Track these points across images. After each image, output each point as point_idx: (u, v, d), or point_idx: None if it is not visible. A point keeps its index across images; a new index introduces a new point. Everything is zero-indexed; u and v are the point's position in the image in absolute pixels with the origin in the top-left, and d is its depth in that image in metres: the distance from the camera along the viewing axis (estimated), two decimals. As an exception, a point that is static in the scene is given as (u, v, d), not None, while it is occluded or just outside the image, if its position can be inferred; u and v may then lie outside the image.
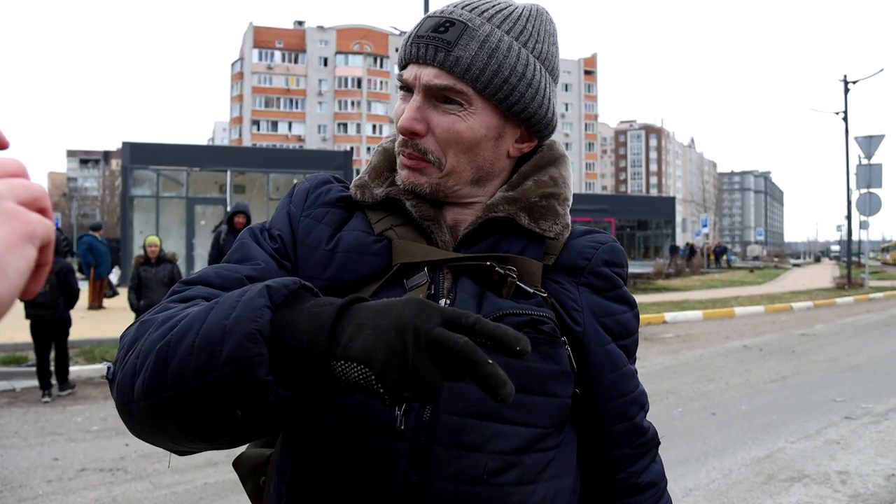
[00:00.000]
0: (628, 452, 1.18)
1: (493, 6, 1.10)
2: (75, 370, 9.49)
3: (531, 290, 1.09)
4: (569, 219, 1.19)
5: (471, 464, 1.00)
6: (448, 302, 1.06)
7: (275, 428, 0.81)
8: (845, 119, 29.48)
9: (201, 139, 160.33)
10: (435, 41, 1.06)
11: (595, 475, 1.20)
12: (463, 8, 1.09)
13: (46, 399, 8.15)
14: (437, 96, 1.08)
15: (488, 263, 1.08)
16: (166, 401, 0.80)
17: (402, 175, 1.14)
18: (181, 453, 0.92)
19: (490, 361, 0.70)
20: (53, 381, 8.41)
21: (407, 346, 0.70)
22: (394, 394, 0.71)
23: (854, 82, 29.43)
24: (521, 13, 1.11)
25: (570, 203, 1.21)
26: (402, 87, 1.13)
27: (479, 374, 0.70)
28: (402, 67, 1.12)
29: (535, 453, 1.06)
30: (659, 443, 1.25)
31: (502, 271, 1.08)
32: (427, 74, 1.07)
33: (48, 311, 8.14)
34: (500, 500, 1.02)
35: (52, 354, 8.42)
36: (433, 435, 1.00)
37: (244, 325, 0.76)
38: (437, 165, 1.10)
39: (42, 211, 0.57)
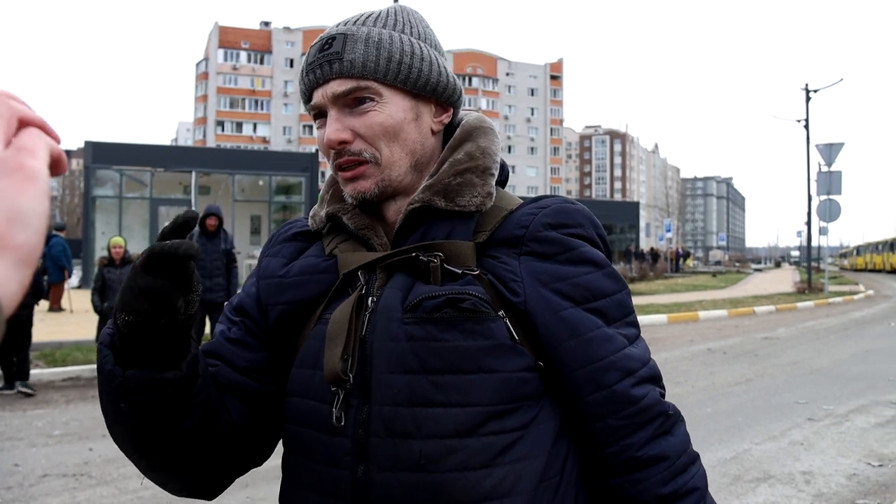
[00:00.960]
0: (614, 424, 1.09)
1: (361, 15, 1.19)
2: (36, 373, 9.32)
3: (459, 271, 1.09)
4: (492, 187, 1.17)
5: (406, 451, 1.03)
6: (375, 300, 1.11)
7: (167, 416, 1.04)
8: (806, 127, 29.98)
9: (164, 139, 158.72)
10: (325, 58, 1.13)
11: (590, 452, 1.12)
12: (336, 26, 1.17)
13: (7, 392, 8.18)
14: (348, 103, 1.14)
15: (413, 255, 1.11)
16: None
17: (347, 191, 1.18)
18: (171, 488, 1.17)
19: (168, 242, 0.93)
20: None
21: (128, 279, 0.97)
22: (133, 309, 0.96)
23: (815, 91, 29.95)
24: (388, 11, 1.19)
25: (496, 170, 1.20)
26: (315, 117, 1.19)
27: (168, 255, 0.92)
28: (308, 100, 1.18)
29: (485, 436, 1.04)
30: (671, 414, 1.12)
31: (426, 259, 1.10)
32: (331, 88, 1.13)
33: (27, 310, 8.10)
34: (442, 486, 1.02)
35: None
36: (369, 428, 1.05)
37: (100, 342, 1.06)
38: (374, 162, 1.14)
39: (32, 125, 0.55)
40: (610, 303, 1.13)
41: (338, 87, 1.12)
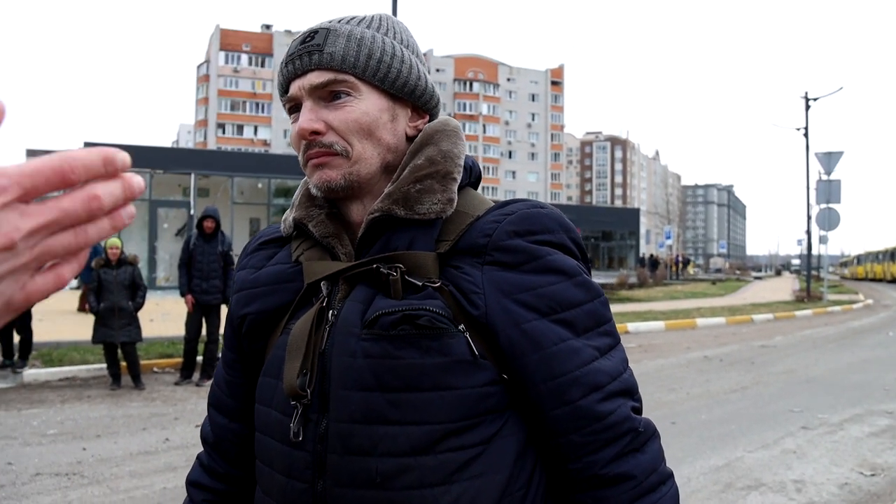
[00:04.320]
0: (577, 440, 1.06)
1: (347, 16, 1.19)
2: (32, 373, 9.34)
3: (420, 283, 1.07)
4: (453, 193, 1.13)
5: (363, 469, 1.03)
6: (335, 312, 1.10)
7: None
8: (806, 135, 30.02)
9: (165, 141, 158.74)
10: (305, 49, 1.13)
11: (555, 466, 1.10)
12: (322, 23, 1.18)
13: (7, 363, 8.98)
14: (324, 96, 1.13)
15: (374, 266, 1.09)
16: None
17: (313, 181, 1.15)
18: None
19: None
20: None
21: None
22: None
23: (815, 99, 30.00)
24: (373, 16, 1.20)
25: (458, 174, 1.16)
26: (290, 111, 1.18)
27: None
28: (285, 91, 1.17)
29: (442, 454, 1.03)
30: (640, 431, 1.09)
31: (385, 271, 1.07)
32: (309, 79, 1.13)
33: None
34: None
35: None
36: (327, 443, 1.06)
37: None
38: (344, 155, 1.12)
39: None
40: (579, 313, 1.09)
41: (315, 78, 1.12)
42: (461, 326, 1.05)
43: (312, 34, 1.14)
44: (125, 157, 0.49)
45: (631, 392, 1.11)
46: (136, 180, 0.51)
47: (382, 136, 1.14)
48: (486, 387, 1.05)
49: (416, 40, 1.25)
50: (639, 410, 1.12)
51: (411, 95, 1.18)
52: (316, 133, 1.12)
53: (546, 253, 1.09)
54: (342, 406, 1.05)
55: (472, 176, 1.22)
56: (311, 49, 1.13)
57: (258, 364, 1.23)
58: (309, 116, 1.12)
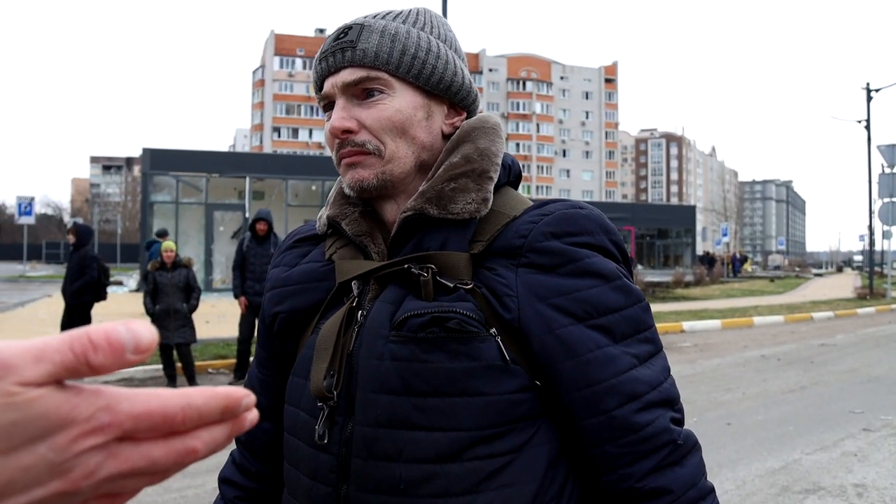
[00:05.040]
0: (612, 451, 1.02)
1: (382, 11, 1.17)
2: (91, 374, 9.55)
3: (451, 285, 1.04)
4: (489, 192, 1.10)
5: (387, 475, 1.01)
6: (364, 313, 1.08)
7: None
8: (867, 127, 29.20)
9: (223, 146, 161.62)
10: (338, 46, 1.11)
11: (589, 477, 1.06)
12: (358, 18, 1.15)
13: None
14: (357, 94, 1.11)
15: (406, 266, 1.06)
16: None
17: (346, 180, 1.14)
18: None
19: None
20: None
21: None
22: None
23: (877, 90, 29.16)
24: (410, 10, 1.18)
25: (495, 173, 1.12)
26: (325, 108, 1.16)
27: None
28: (319, 89, 1.17)
29: (469, 462, 1.00)
30: (680, 444, 1.04)
31: (416, 271, 1.05)
32: (342, 76, 1.11)
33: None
34: None
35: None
36: (352, 447, 1.04)
37: None
38: (377, 154, 1.10)
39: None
40: (617, 318, 1.04)
41: (348, 75, 1.10)
42: (493, 330, 1.02)
43: (346, 30, 1.12)
44: (250, 401, 0.43)
45: (671, 402, 1.06)
46: (249, 420, 0.44)
47: (417, 134, 1.12)
48: (517, 393, 1.02)
49: (455, 34, 1.23)
50: (679, 422, 1.07)
51: (447, 92, 1.15)
52: (348, 132, 1.10)
53: (584, 255, 1.05)
54: (368, 409, 1.03)
55: (511, 174, 1.18)
56: (343, 46, 1.11)
57: (290, 363, 1.22)
58: (341, 115, 1.10)
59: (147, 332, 0.39)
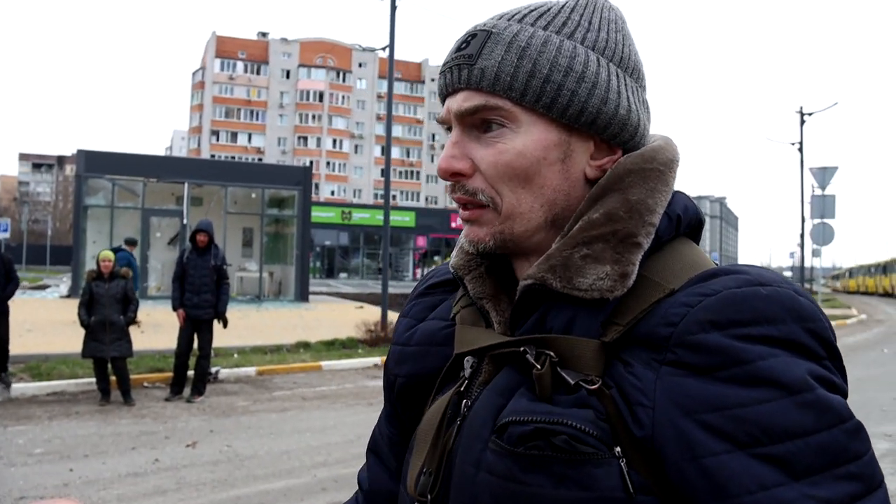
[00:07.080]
0: None
1: (527, 7, 0.91)
2: (19, 387, 9.22)
3: (572, 382, 0.80)
4: (633, 265, 0.83)
5: None
6: (469, 402, 0.89)
7: None
8: (801, 150, 30.14)
9: (159, 147, 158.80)
10: (456, 61, 0.89)
11: None
12: (491, 17, 0.91)
13: None
14: (475, 125, 0.89)
15: (522, 349, 0.84)
16: None
17: (464, 236, 0.95)
18: None
19: None
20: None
21: None
22: None
23: (810, 114, 30.11)
24: (563, 6, 0.90)
25: (648, 237, 0.85)
26: (448, 130, 0.94)
27: None
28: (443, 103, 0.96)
29: None
30: None
31: (532, 359, 0.82)
32: (457, 101, 0.89)
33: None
34: None
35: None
36: None
37: None
38: (493, 208, 0.89)
39: None
40: (800, 447, 0.72)
41: (463, 101, 0.88)
42: (617, 450, 0.77)
43: (469, 39, 0.89)
44: None
45: None
46: None
47: (547, 182, 0.88)
48: None
49: (629, 34, 0.94)
50: None
51: (592, 127, 0.88)
52: (459, 175, 0.89)
53: (756, 355, 0.74)
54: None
55: (683, 225, 0.90)
56: (460, 61, 0.88)
57: (417, 422, 1.02)
58: (452, 152, 0.89)
59: None
